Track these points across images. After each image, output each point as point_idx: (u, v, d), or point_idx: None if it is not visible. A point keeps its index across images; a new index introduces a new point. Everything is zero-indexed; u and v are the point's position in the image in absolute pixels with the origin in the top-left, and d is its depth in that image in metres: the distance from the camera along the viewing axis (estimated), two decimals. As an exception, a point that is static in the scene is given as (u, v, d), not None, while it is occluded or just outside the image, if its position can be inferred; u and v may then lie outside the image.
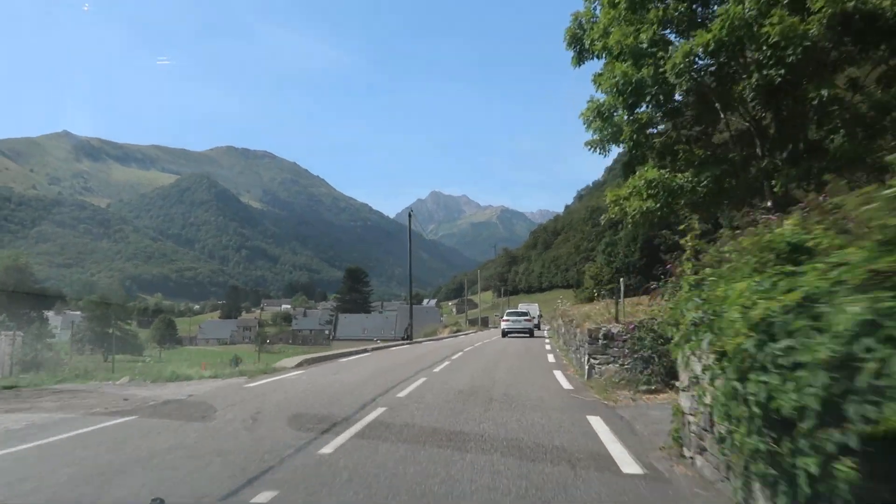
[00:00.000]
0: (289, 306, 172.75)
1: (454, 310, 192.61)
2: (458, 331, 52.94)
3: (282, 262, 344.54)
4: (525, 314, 31.19)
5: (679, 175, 10.78)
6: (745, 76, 9.62)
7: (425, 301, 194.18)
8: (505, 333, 28.65)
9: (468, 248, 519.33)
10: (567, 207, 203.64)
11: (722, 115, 11.07)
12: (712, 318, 3.34)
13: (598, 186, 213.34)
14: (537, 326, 38.05)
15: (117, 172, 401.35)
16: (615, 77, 10.52)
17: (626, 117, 11.35)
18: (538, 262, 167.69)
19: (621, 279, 13.14)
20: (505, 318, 30.76)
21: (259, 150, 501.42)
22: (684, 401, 4.52)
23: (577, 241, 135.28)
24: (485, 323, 79.96)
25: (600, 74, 11.45)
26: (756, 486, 2.82)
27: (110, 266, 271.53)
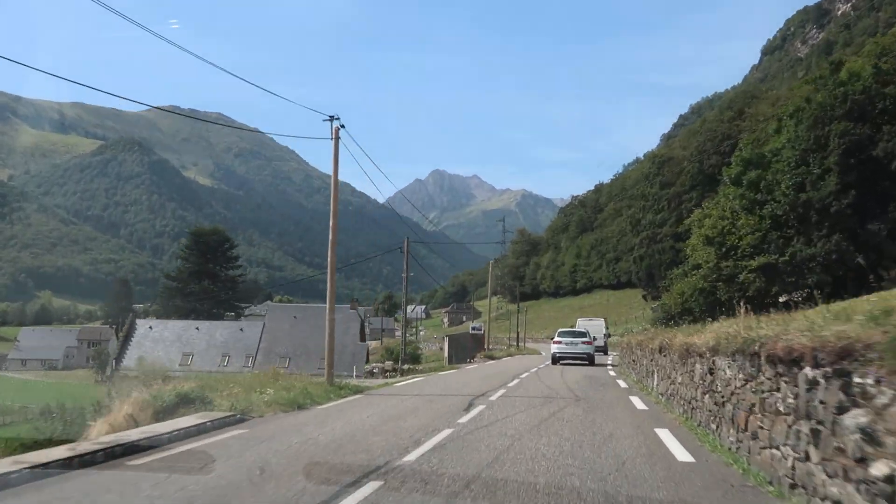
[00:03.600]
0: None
1: (446, 320, 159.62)
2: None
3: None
4: (583, 335, 30.24)
5: None
6: None
7: (412, 307, 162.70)
8: (556, 359, 28.59)
9: (480, 241, 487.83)
10: (614, 177, 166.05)
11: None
12: None
13: (652, 157, 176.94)
14: (603, 350, 38.51)
15: (25, 136, 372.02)
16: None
17: None
18: (571, 250, 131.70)
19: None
20: (556, 338, 30.13)
21: (211, 112, 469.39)
22: None
23: (633, 213, 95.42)
24: (478, 344, 52.31)
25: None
26: None
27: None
